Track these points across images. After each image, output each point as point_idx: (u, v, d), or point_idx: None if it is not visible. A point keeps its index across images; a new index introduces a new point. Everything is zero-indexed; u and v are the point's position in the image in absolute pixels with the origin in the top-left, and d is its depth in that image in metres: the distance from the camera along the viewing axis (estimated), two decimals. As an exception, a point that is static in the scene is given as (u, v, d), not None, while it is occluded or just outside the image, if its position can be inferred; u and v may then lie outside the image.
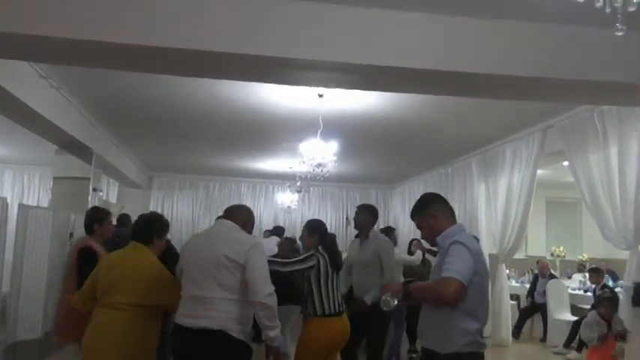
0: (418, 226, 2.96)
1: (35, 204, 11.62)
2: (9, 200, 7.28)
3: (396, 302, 2.74)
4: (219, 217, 3.53)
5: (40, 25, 3.48)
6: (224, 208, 3.49)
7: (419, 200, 3.00)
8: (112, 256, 3.56)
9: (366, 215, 5.07)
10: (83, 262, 4.23)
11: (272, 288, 2.98)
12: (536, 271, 9.46)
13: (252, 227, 3.37)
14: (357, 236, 5.26)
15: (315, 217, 15.01)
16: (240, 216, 3.28)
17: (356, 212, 5.16)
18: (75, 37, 3.52)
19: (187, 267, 3.08)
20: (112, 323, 3.19)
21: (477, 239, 3.34)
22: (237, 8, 3.70)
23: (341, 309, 4.14)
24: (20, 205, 6.41)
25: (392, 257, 5.03)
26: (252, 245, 3.03)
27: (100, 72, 5.51)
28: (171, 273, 3.36)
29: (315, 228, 4.27)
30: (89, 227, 4.54)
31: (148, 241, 3.41)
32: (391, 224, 11.22)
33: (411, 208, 3.01)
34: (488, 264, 8.67)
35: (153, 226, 3.48)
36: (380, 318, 4.66)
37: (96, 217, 4.57)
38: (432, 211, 2.88)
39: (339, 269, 4.31)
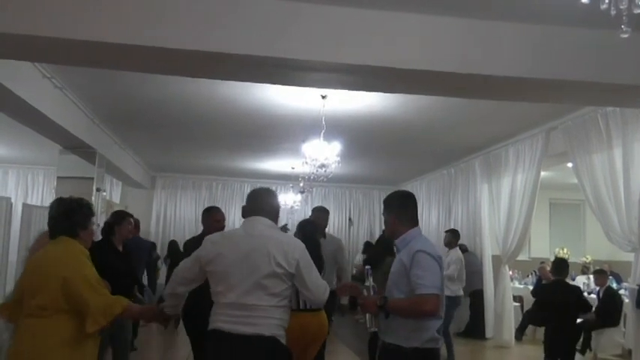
0: (384, 214, 3.02)
1: (39, 204, 11.66)
2: (13, 200, 7.33)
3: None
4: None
5: (42, 26, 3.49)
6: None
7: (393, 194, 3.09)
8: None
9: (325, 216, 5.42)
10: None
11: (325, 286, 2.86)
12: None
13: (278, 214, 3.06)
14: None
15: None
16: (270, 206, 2.96)
17: (316, 215, 5.42)
18: (71, 37, 3.53)
19: (226, 271, 2.76)
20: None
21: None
22: (240, 10, 3.70)
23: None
24: (24, 205, 6.45)
25: (346, 258, 5.41)
26: (301, 252, 2.79)
27: (104, 73, 5.51)
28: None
29: (300, 227, 4.44)
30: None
31: (73, 234, 2.87)
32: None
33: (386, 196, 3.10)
34: (491, 265, 8.79)
35: (73, 217, 2.89)
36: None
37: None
38: (395, 211, 2.94)
39: (319, 263, 4.12)
